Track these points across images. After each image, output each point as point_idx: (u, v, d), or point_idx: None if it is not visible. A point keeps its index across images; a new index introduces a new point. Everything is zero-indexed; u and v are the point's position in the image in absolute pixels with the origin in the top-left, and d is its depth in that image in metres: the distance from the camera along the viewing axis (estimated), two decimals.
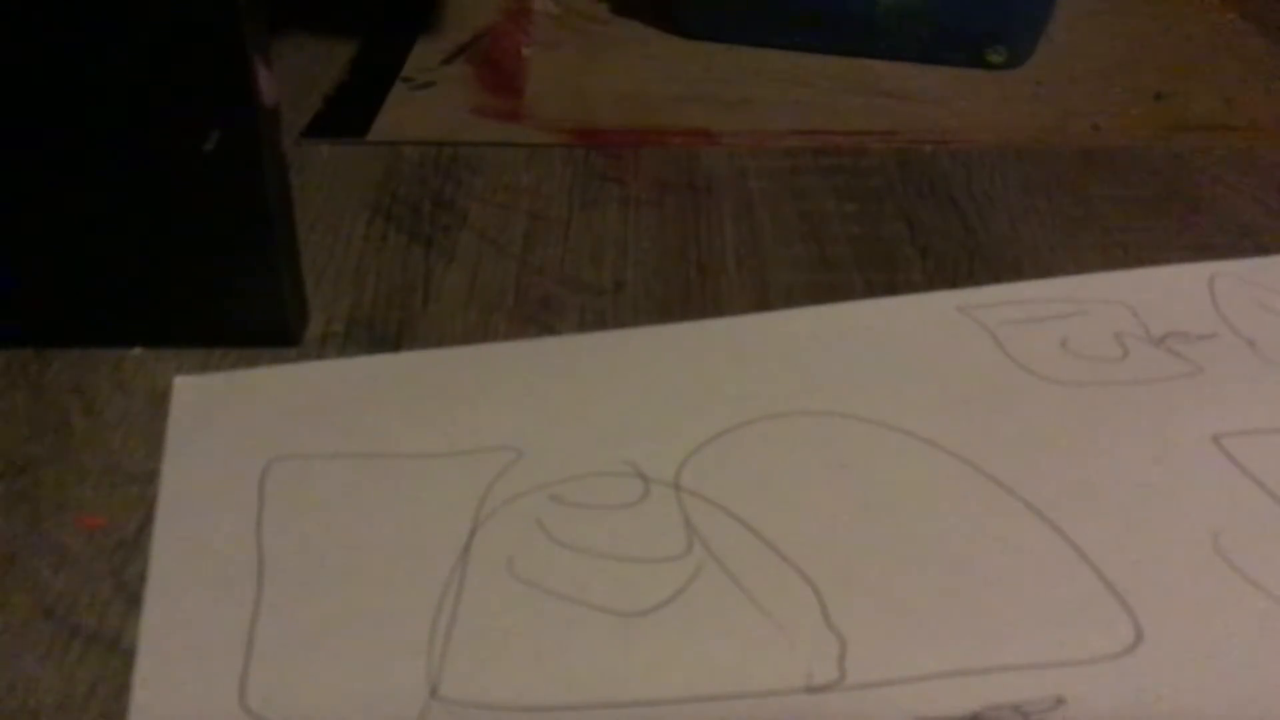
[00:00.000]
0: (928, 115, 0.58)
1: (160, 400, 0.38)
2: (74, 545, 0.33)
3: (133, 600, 0.31)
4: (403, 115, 0.57)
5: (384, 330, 0.42)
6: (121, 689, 0.29)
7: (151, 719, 0.28)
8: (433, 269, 0.46)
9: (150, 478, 0.35)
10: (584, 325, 0.43)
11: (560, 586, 0.31)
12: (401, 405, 0.38)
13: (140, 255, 0.39)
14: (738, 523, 0.34)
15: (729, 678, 0.29)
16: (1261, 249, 0.48)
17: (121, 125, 0.36)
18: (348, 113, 0.57)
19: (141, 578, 0.32)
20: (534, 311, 0.43)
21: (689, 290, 0.45)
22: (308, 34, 0.66)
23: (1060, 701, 0.28)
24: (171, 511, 0.34)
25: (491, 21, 0.68)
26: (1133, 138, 0.56)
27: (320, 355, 0.41)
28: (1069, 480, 0.35)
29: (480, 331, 0.42)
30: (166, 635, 0.30)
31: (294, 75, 0.60)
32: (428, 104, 0.59)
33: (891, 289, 0.45)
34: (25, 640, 0.30)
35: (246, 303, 0.40)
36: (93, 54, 0.35)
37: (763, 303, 0.44)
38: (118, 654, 0.30)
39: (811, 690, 0.29)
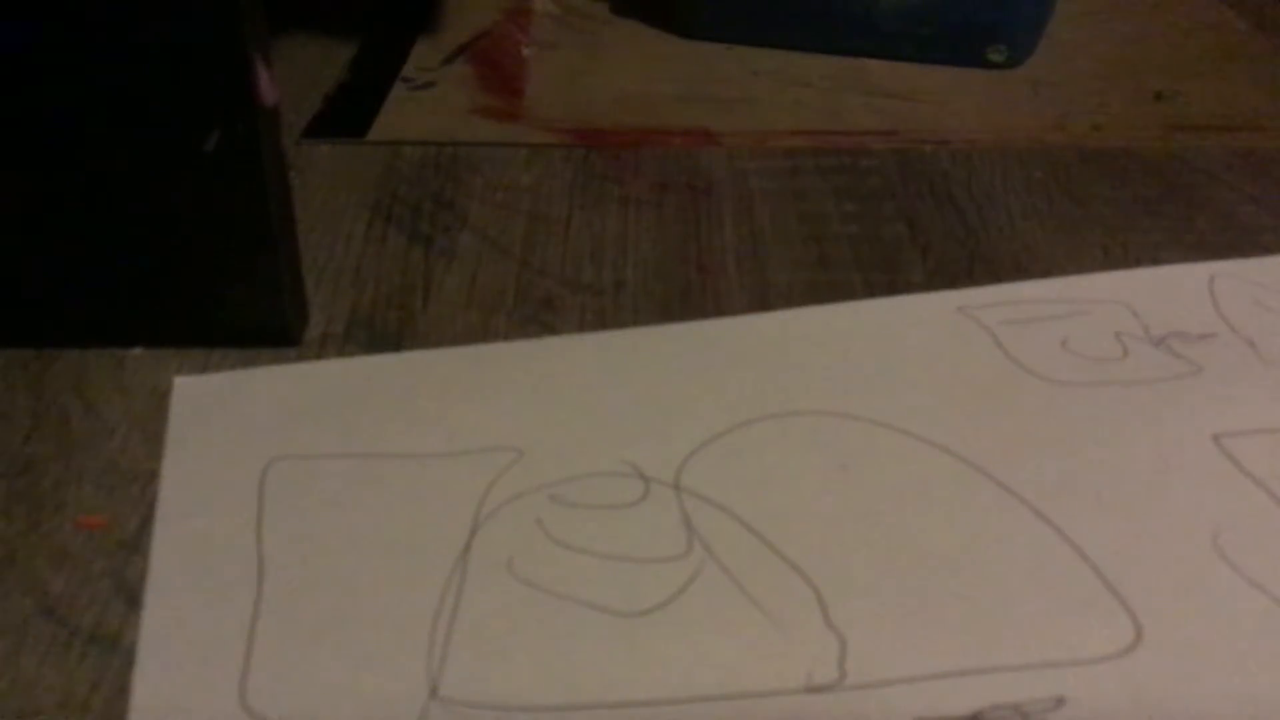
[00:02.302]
0: (928, 115, 0.58)
1: (160, 400, 0.38)
2: (74, 545, 0.33)
3: (133, 600, 0.31)
4: (403, 115, 0.57)
5: (384, 330, 0.42)
6: (121, 689, 0.29)
7: (151, 719, 0.28)
8: (433, 269, 0.46)
9: (150, 478, 0.35)
10: (584, 325, 0.43)
11: (560, 586, 0.31)
12: (401, 405, 0.38)
13: (140, 255, 0.39)
14: (738, 523, 0.34)
15: (729, 678, 0.29)
16: (1261, 249, 0.48)
17: (122, 125, 0.36)
18: (348, 113, 0.57)
19: (141, 578, 0.32)
20: (534, 311, 0.43)
21: (689, 290, 0.45)
22: (308, 34, 0.66)
23: (1060, 701, 0.28)
24: (171, 511, 0.34)
25: (491, 21, 0.68)
26: (1133, 138, 0.56)
27: (320, 355, 0.41)
28: (1069, 480, 0.35)
29: (480, 331, 0.42)
30: (166, 635, 0.30)
31: (294, 75, 0.60)
32: (428, 104, 0.59)
33: (891, 289, 0.45)
34: (25, 640, 0.30)
35: (246, 303, 0.40)
36: (93, 54, 0.35)
37: (763, 303, 0.44)
38: (118, 654, 0.30)
39: (811, 690, 0.29)
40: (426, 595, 0.31)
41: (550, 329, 0.42)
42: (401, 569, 0.32)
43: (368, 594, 0.31)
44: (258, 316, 0.40)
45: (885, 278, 0.46)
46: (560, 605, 0.31)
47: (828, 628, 0.30)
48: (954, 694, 0.29)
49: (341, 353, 0.41)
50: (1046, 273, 0.46)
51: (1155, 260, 0.47)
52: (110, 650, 0.30)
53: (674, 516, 0.34)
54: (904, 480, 0.35)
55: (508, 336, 0.42)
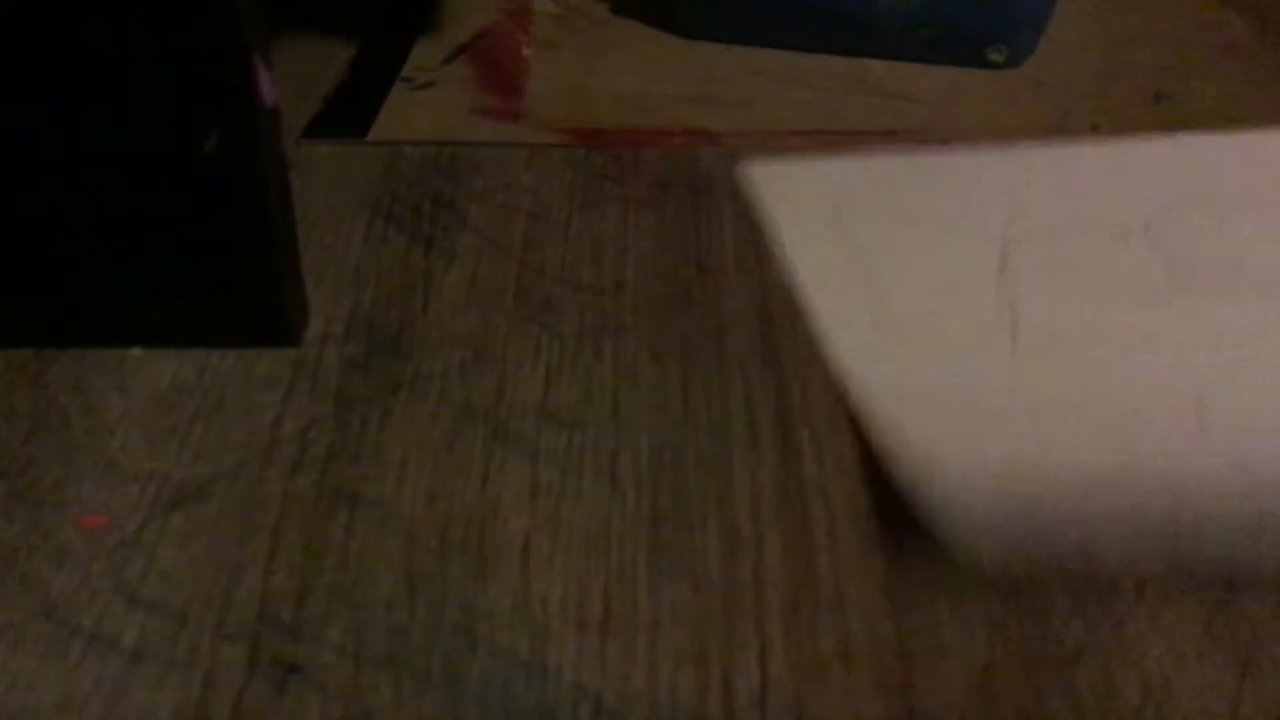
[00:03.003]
0: (928, 115, 0.58)
1: (160, 400, 0.38)
2: (74, 545, 0.33)
3: (133, 600, 0.31)
4: (403, 115, 0.57)
5: (384, 330, 0.42)
6: (122, 689, 0.29)
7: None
8: (433, 269, 0.46)
9: (150, 477, 0.35)
10: (584, 325, 0.43)
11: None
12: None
13: (141, 255, 0.39)
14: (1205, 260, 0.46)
15: None
16: None
17: (122, 126, 0.36)
18: (348, 113, 0.57)
19: (142, 578, 0.32)
20: (534, 311, 0.43)
21: (689, 290, 0.45)
22: (308, 34, 0.66)
23: None
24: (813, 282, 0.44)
25: (491, 21, 0.68)
26: (1132, 138, 0.56)
27: (320, 355, 0.41)
28: None
29: (480, 331, 0.42)
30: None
31: (294, 75, 0.60)
32: (428, 104, 0.59)
33: None
34: (25, 640, 0.30)
35: (246, 303, 0.40)
36: (93, 54, 0.35)
37: (762, 303, 0.44)
38: (118, 654, 0.30)
39: None
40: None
41: (550, 329, 0.42)
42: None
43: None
44: (258, 316, 0.40)
45: None
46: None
47: None
48: None
49: (342, 353, 0.41)
50: None
51: None
52: (110, 650, 0.30)
53: (1155, 254, 0.45)
54: None
55: (508, 336, 0.42)
